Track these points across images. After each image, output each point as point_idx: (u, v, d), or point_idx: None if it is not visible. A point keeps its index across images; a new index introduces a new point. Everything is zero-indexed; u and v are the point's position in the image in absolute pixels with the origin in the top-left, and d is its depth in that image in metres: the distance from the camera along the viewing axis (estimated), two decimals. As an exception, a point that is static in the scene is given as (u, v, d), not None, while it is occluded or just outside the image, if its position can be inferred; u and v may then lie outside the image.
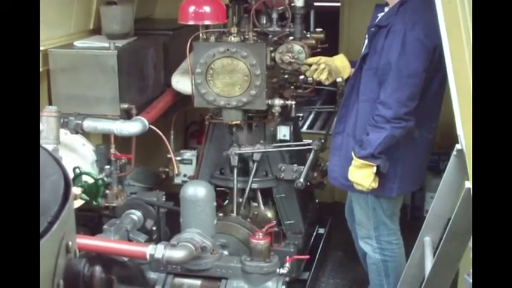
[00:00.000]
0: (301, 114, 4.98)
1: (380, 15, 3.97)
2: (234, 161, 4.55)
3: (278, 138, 4.65)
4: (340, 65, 4.28)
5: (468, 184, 2.48)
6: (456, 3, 2.63)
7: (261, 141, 4.62)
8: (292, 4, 4.45)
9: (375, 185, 3.88)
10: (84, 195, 4.01)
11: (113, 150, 4.52)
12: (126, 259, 3.90)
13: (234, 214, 4.53)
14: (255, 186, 4.65)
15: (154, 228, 4.36)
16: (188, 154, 4.96)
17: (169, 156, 4.77)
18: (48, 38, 4.55)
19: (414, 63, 3.72)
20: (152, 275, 4.06)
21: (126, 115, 4.52)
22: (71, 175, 3.86)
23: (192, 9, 4.22)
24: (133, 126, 4.40)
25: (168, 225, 4.48)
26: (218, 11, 4.24)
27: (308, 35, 4.67)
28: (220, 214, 4.52)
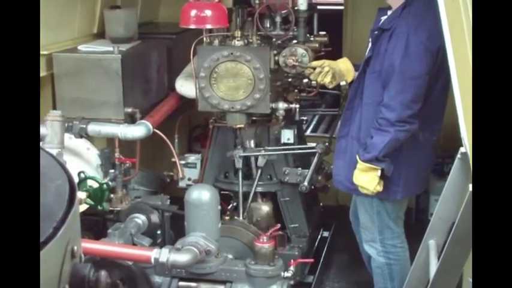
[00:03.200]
0: (305, 118, 4.96)
1: (383, 18, 3.98)
2: (239, 164, 4.55)
3: (282, 141, 4.65)
4: (344, 68, 4.28)
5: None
6: (459, 6, 2.63)
7: (266, 147, 4.62)
8: (296, 8, 4.45)
9: (379, 188, 3.88)
10: (89, 200, 4.02)
11: (117, 154, 4.51)
12: (130, 263, 3.91)
13: (241, 217, 4.53)
14: (259, 189, 4.65)
15: (158, 232, 4.37)
16: (192, 158, 4.97)
17: (173, 160, 4.77)
18: (52, 42, 4.55)
19: (417, 65, 3.73)
20: (157, 279, 4.07)
21: (130, 119, 4.52)
22: (76, 180, 3.86)
23: (193, 13, 4.22)
24: (138, 130, 4.40)
25: (173, 228, 4.49)
26: (219, 14, 4.24)
27: (311, 39, 4.67)
28: (227, 217, 4.52)
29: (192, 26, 4.28)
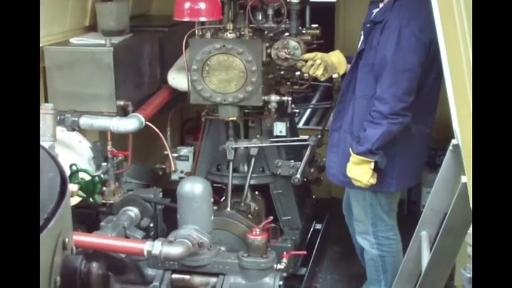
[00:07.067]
0: (297, 110, 4.96)
1: (375, 11, 3.98)
2: (230, 155, 4.55)
3: (274, 134, 4.65)
4: (336, 60, 4.29)
5: (464, 179, 2.49)
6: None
7: (257, 136, 4.62)
8: (288, 0, 4.44)
9: (373, 181, 3.89)
10: (80, 192, 4.01)
11: (109, 147, 4.52)
12: (123, 256, 3.91)
13: (228, 209, 4.52)
14: (252, 182, 4.65)
15: (151, 225, 4.37)
16: (185, 150, 4.97)
17: (166, 152, 4.77)
18: (44, 35, 4.52)
19: (410, 58, 3.73)
20: (150, 272, 4.07)
21: (123, 112, 4.52)
22: (68, 172, 3.86)
23: (187, 5, 4.21)
24: (130, 123, 4.40)
25: (165, 221, 4.49)
26: (213, 7, 4.23)
27: (304, 31, 4.67)
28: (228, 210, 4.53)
29: (186, 19, 4.27)
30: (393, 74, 3.75)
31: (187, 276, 4.03)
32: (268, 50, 4.36)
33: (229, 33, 4.33)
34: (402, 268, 3.35)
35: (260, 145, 4.56)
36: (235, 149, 4.57)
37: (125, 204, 4.33)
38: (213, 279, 3.98)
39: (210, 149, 4.81)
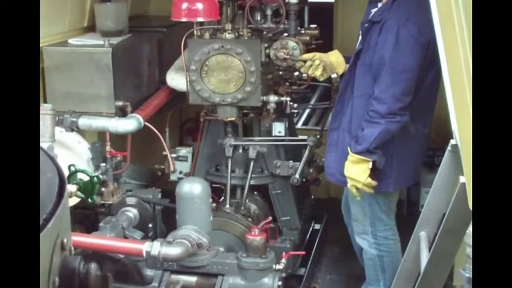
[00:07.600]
0: (296, 111, 4.96)
1: (373, 10, 3.97)
2: (229, 152, 4.54)
3: (273, 134, 4.65)
4: (335, 61, 4.29)
5: (463, 179, 2.49)
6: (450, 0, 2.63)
7: (257, 137, 4.62)
8: (286, 0, 4.44)
9: (370, 181, 3.87)
10: (79, 193, 4.01)
11: (108, 148, 4.51)
12: (122, 256, 3.91)
13: (227, 206, 4.51)
14: (251, 182, 4.64)
15: (150, 225, 4.37)
16: (184, 151, 4.96)
17: (164, 153, 4.76)
18: (43, 35, 4.51)
19: (408, 58, 3.73)
20: (149, 272, 4.07)
21: (121, 112, 4.52)
22: (66, 173, 3.86)
23: (184, 6, 4.21)
24: (129, 124, 4.39)
25: (164, 222, 4.49)
26: (211, 7, 4.23)
27: (302, 31, 4.67)
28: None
29: (184, 19, 4.27)
30: (391, 74, 3.75)
31: (186, 277, 4.04)
32: (267, 51, 4.36)
33: (228, 33, 4.33)
34: (401, 268, 3.35)
35: (258, 143, 4.56)
36: (234, 150, 4.57)
37: (124, 205, 4.33)
38: (212, 280, 3.98)
39: (209, 149, 4.80)
